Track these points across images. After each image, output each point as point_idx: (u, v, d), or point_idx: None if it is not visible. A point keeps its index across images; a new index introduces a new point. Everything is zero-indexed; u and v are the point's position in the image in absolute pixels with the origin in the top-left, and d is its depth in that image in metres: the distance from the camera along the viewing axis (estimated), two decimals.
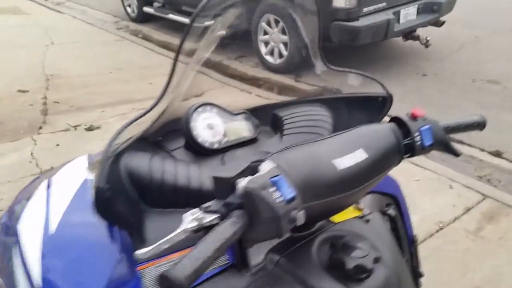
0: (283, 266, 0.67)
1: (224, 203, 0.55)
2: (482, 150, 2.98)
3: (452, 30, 4.96)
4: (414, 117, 0.78)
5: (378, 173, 0.69)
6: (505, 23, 5.64)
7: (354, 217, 0.80)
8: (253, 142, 0.97)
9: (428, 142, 0.77)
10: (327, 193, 0.61)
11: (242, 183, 0.55)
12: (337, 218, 0.76)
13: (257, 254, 0.70)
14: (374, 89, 1.01)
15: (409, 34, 4.43)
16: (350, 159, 0.64)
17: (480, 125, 0.90)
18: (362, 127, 0.71)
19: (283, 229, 0.54)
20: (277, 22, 4.16)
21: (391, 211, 1.00)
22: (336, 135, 0.68)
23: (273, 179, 0.55)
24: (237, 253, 0.69)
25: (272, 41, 4.27)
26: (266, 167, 0.57)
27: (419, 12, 4.27)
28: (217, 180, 0.58)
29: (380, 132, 0.71)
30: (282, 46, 4.18)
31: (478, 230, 2.16)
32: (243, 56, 4.75)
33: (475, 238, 2.10)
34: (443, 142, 0.81)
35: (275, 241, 0.70)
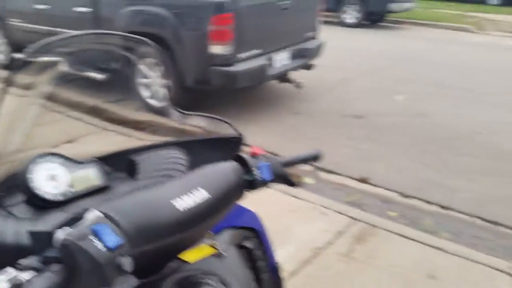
0: None
1: (40, 258, 0.53)
2: (351, 178, 3.23)
3: (323, 73, 5.45)
4: (254, 155, 0.86)
5: (221, 209, 0.73)
6: (367, 65, 6.39)
7: (210, 255, 0.81)
8: (105, 190, 0.93)
9: (267, 177, 0.86)
10: (168, 233, 0.62)
11: (60, 235, 0.53)
12: (192, 258, 0.76)
13: None
14: (229, 131, 1.07)
15: (283, 77, 4.78)
16: (191, 198, 0.66)
17: (316, 158, 1.03)
18: (204, 167, 0.75)
19: (109, 277, 0.53)
20: (156, 65, 4.16)
21: (249, 244, 1.04)
22: (177, 177, 0.72)
23: (94, 227, 0.54)
24: None
25: (153, 84, 4.25)
26: (90, 216, 0.56)
27: (291, 57, 4.63)
28: (33, 234, 0.56)
29: (221, 171, 0.76)
30: (162, 90, 4.17)
31: (350, 252, 2.28)
32: (123, 99, 4.62)
33: (347, 259, 2.22)
34: (282, 176, 0.91)
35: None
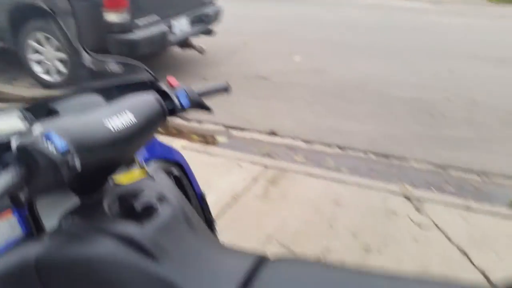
0: (78, 225, 0.70)
1: None
2: (260, 132, 3.44)
3: (224, 38, 5.55)
4: (171, 86, 0.94)
5: (147, 132, 0.80)
6: (265, 29, 6.61)
7: (142, 178, 0.88)
8: None
9: (185, 103, 0.95)
10: (102, 149, 0.68)
11: (16, 140, 0.59)
12: (125, 180, 0.83)
13: (52, 220, 0.72)
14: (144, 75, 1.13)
15: (185, 43, 4.78)
16: (120, 120, 0.72)
17: (226, 90, 1.13)
18: (129, 95, 0.81)
19: (64, 175, 0.60)
20: (48, 39, 3.92)
21: (176, 172, 1.12)
22: (107, 104, 0.78)
23: (46, 134, 0.60)
24: (29, 221, 0.71)
25: (46, 59, 4.01)
26: (37, 128, 0.62)
27: (190, 23, 4.64)
28: None
29: (144, 98, 0.82)
30: (58, 63, 3.96)
31: (265, 193, 2.49)
32: (15, 78, 4.29)
33: (264, 199, 2.43)
34: (198, 103, 1.00)
35: (67, 207, 0.74)
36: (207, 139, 3.33)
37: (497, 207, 2.44)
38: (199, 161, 2.80)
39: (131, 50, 3.97)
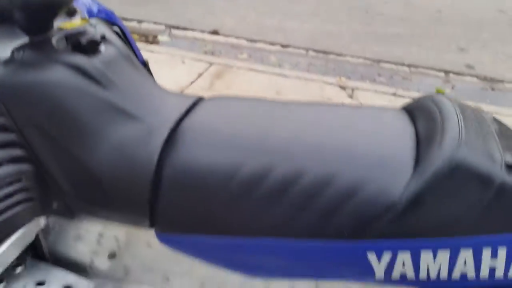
0: (31, 55, 0.75)
1: None
2: (203, 32, 3.42)
3: None
4: None
5: None
6: None
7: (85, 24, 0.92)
8: None
9: None
10: None
11: None
12: (69, 26, 0.86)
13: (3, 53, 0.76)
14: None
15: None
16: None
17: None
18: None
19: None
20: None
21: (118, 32, 1.15)
22: None
23: None
24: None
25: None
26: None
27: None
28: None
29: None
30: None
31: (211, 86, 2.58)
32: None
33: (209, 91, 2.52)
34: None
35: (18, 42, 0.77)
36: (148, 38, 3.28)
37: (423, 94, 2.71)
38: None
39: None
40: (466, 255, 0.64)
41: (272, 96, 2.53)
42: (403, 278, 0.67)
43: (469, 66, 3.13)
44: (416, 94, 2.66)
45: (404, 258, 0.65)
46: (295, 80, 2.73)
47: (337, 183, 0.67)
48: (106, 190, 0.75)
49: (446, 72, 3.05)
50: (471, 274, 0.65)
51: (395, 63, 3.15)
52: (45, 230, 0.92)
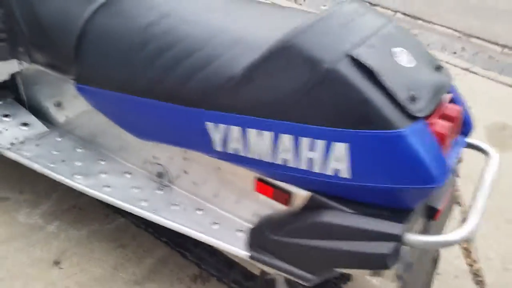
0: None
1: None
2: None
3: None
4: None
5: None
6: None
7: None
8: None
9: None
10: None
11: None
12: None
13: None
14: None
15: None
16: None
17: None
18: None
19: None
20: None
21: None
22: None
23: None
24: None
25: None
26: None
27: None
28: None
29: None
30: None
31: None
32: None
33: None
34: None
35: None
36: None
37: (502, 76, 2.43)
38: None
39: None
40: (286, 141, 0.70)
41: None
42: (236, 155, 0.76)
43: None
44: (494, 75, 2.41)
45: (235, 133, 0.74)
46: None
47: (198, 55, 0.77)
48: (47, 35, 0.94)
49: None
50: (291, 162, 0.71)
51: (488, 41, 2.85)
52: (23, 78, 1.16)
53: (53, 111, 1.19)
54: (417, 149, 0.64)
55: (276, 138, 0.71)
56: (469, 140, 0.87)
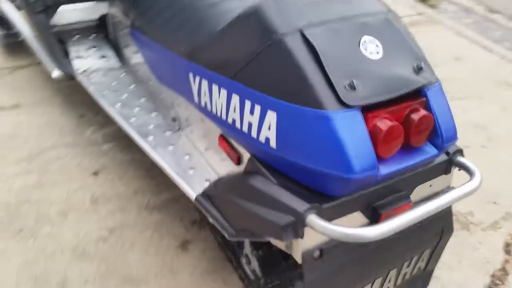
0: None
1: None
2: None
3: None
4: None
5: None
6: None
7: None
8: None
9: None
10: None
11: None
12: None
13: None
14: None
15: None
16: None
17: None
18: None
19: None
20: None
21: None
22: None
23: None
24: None
25: None
26: None
27: None
28: None
29: None
30: None
31: None
32: None
33: None
34: None
35: None
36: None
37: None
38: None
39: None
40: (236, 101, 0.76)
41: None
42: (205, 109, 0.84)
43: None
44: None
45: (204, 86, 0.82)
46: None
47: (195, 15, 0.88)
48: None
49: None
50: (237, 123, 0.77)
51: None
52: (111, 19, 1.39)
53: (126, 52, 1.41)
54: (340, 134, 0.63)
55: (229, 98, 0.77)
56: (449, 156, 0.79)
